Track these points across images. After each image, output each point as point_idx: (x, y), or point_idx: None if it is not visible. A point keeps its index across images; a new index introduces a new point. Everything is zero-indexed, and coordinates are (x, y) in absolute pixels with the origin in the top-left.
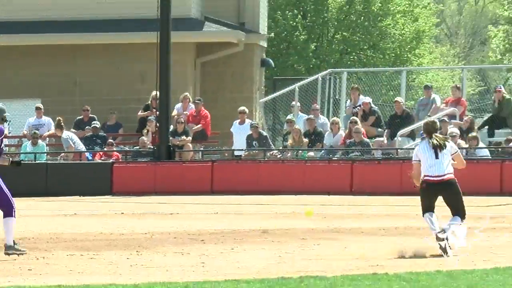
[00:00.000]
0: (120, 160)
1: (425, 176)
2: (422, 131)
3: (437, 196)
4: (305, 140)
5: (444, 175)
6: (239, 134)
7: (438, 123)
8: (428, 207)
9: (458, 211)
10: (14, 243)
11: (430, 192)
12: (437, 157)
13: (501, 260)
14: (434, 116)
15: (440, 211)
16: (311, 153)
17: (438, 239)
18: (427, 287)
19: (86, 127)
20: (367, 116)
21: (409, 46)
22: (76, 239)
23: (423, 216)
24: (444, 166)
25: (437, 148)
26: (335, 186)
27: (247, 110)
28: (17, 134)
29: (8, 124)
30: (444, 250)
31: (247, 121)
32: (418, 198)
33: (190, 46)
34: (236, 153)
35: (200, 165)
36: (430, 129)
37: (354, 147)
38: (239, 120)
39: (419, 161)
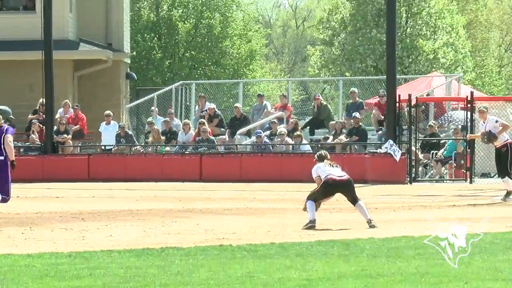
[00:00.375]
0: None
1: (329, 175)
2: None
3: (335, 193)
4: (163, 137)
5: (344, 175)
6: (106, 133)
7: (327, 154)
8: (316, 199)
9: (357, 199)
10: None
11: (332, 188)
12: (332, 167)
13: (324, 234)
14: (265, 118)
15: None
16: (168, 148)
17: (369, 223)
18: (264, 256)
19: None
20: (212, 119)
21: (244, 63)
22: None
23: (307, 201)
24: (340, 170)
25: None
26: (188, 175)
27: (111, 114)
28: None
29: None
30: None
31: (113, 122)
32: (253, 184)
33: (69, 62)
34: (107, 147)
35: (78, 157)
36: (323, 157)
37: (202, 143)
38: (105, 122)
39: (319, 176)
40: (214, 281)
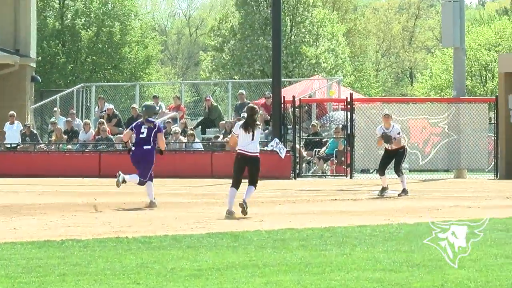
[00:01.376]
0: None
1: (240, 150)
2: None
3: (245, 167)
4: (65, 136)
5: (254, 153)
6: (10, 132)
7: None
8: (235, 181)
9: (254, 182)
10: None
11: (241, 163)
12: (253, 139)
13: (214, 227)
14: (161, 118)
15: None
16: (69, 146)
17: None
18: (158, 247)
19: None
20: (111, 119)
21: (141, 67)
22: None
23: (230, 188)
24: (256, 146)
25: (253, 131)
26: (88, 171)
27: (15, 114)
28: None
29: None
30: (231, 213)
31: (16, 122)
32: (165, 179)
33: None
34: (13, 145)
35: None
36: (248, 114)
37: (101, 141)
38: (9, 122)
39: (238, 135)
40: (110, 271)
